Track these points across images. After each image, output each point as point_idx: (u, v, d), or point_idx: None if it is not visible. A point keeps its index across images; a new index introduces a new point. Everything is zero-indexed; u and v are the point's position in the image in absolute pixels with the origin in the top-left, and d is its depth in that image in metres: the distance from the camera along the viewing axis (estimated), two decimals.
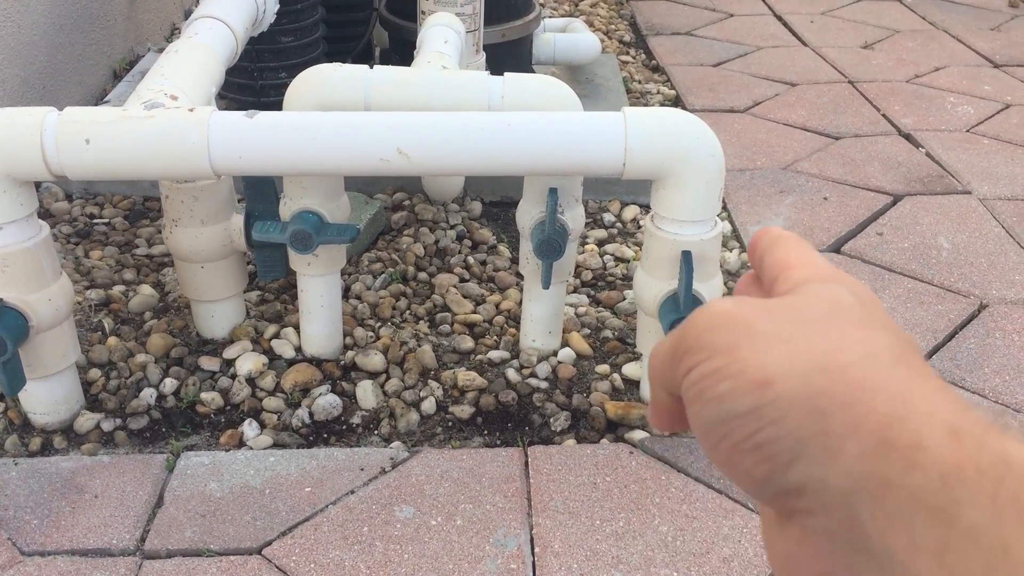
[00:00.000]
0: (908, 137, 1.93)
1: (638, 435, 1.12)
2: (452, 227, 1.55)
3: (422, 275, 1.43)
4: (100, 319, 1.29)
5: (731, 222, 1.60)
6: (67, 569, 0.92)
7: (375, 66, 1.12)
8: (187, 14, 2.48)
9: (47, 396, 1.10)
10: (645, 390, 1.17)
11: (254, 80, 1.59)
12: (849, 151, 1.85)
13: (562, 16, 2.64)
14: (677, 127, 1.00)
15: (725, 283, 1.40)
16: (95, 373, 1.19)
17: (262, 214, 1.17)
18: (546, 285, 1.14)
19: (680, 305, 1.02)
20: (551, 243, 1.10)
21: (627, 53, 2.41)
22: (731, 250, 1.52)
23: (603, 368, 1.24)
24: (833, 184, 1.72)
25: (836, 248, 1.52)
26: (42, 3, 1.68)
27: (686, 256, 1.02)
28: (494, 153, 0.99)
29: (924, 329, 1.32)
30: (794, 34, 2.55)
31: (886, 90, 2.16)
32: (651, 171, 1.01)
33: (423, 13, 1.50)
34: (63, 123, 0.96)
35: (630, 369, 1.23)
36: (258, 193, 1.17)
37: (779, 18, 2.68)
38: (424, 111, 1.02)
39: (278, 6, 1.44)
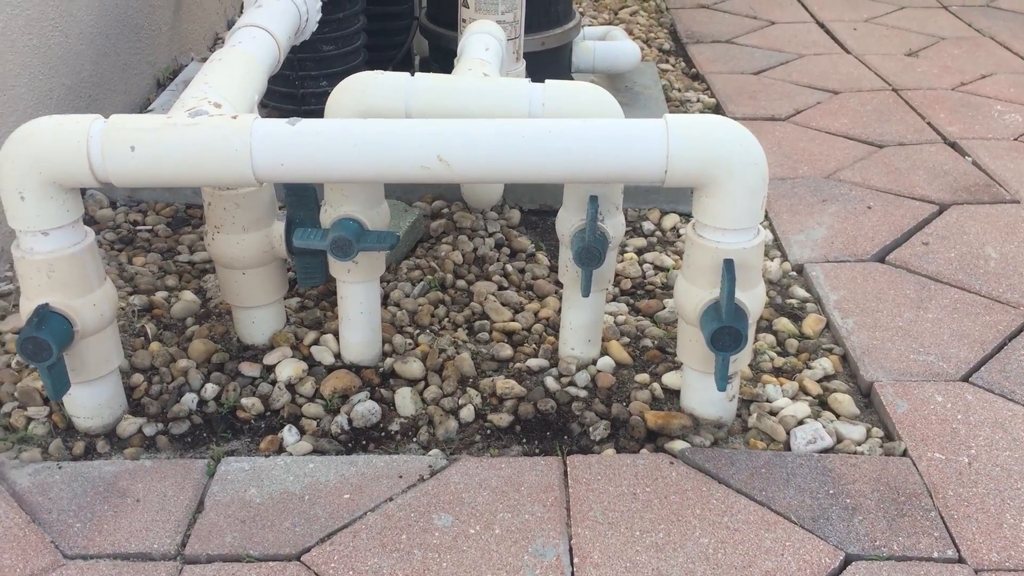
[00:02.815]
0: (954, 145, 1.90)
1: (678, 445, 1.11)
2: (491, 235, 1.55)
3: (460, 283, 1.43)
4: (143, 324, 1.30)
5: (772, 231, 1.58)
6: (109, 573, 0.93)
7: (416, 74, 1.13)
8: (230, 24, 2.51)
9: (91, 400, 1.11)
10: (686, 399, 1.16)
11: (295, 88, 1.60)
12: (893, 160, 1.83)
13: (602, 24, 2.64)
14: (720, 134, 0.99)
15: (767, 292, 1.38)
16: (138, 378, 1.20)
17: (303, 221, 1.18)
18: (586, 293, 1.13)
19: (722, 314, 1.01)
20: (591, 251, 1.10)
21: (667, 61, 2.40)
22: (772, 259, 1.50)
23: (643, 377, 1.23)
24: (877, 193, 1.70)
25: (880, 258, 1.50)
26: (89, 13, 1.70)
27: (728, 264, 1.01)
28: (535, 160, 0.98)
29: (972, 340, 1.29)
30: (837, 41, 2.52)
31: (931, 98, 2.13)
32: (693, 179, 1.00)
33: (463, 21, 1.50)
34: (109, 130, 0.98)
35: (670, 378, 1.22)
36: (299, 200, 1.18)
37: (821, 25, 2.65)
38: (465, 118, 1.02)
39: (320, 15, 1.45)
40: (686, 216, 1.64)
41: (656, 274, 1.47)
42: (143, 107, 1.93)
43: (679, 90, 2.20)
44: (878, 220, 1.60)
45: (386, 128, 0.99)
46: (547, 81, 1.13)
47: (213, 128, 0.98)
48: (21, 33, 1.48)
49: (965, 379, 1.22)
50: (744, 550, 0.96)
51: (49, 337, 0.99)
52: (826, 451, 1.11)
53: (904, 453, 1.10)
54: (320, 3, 1.44)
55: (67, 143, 0.97)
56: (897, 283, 1.42)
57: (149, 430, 1.13)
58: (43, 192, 0.99)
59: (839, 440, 1.13)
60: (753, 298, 1.05)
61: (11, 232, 1.46)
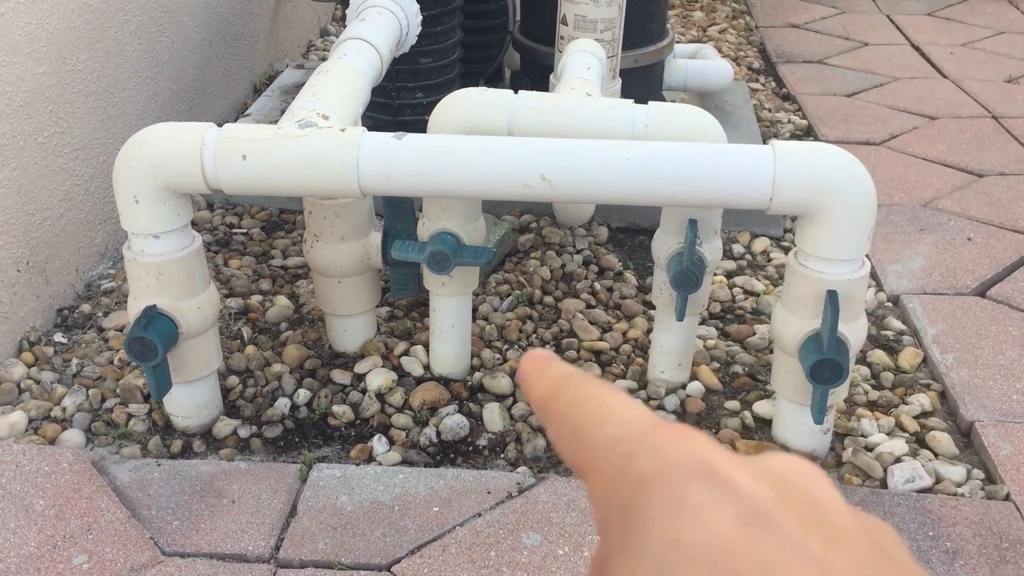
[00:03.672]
0: None
1: None
2: (579, 251, 1.54)
3: (548, 299, 1.43)
4: (239, 327, 1.33)
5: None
6: (205, 571, 0.95)
7: (520, 91, 1.13)
8: (323, 32, 2.55)
9: (189, 400, 1.14)
10: (778, 430, 1.14)
11: (391, 99, 1.63)
12: (994, 190, 1.77)
13: (689, 41, 2.62)
14: (829, 163, 0.98)
15: None
16: (233, 380, 1.23)
17: (399, 233, 1.19)
18: (680, 317, 1.12)
19: (824, 346, 0.99)
20: (689, 275, 1.09)
21: (756, 80, 2.37)
22: (867, 288, 1.47)
23: (733, 404, 1.22)
24: (977, 224, 1.65)
25: (981, 292, 1.46)
26: (195, 19, 1.75)
27: (832, 296, 0.99)
28: (638, 183, 0.98)
29: None
30: (933, 65, 2.46)
31: None
32: (799, 207, 0.99)
33: (562, 39, 1.50)
34: (222, 139, 1.00)
35: (761, 407, 1.20)
36: (397, 212, 1.19)
37: (917, 48, 2.60)
38: (566, 137, 1.02)
39: (420, 28, 1.47)
40: (776, 240, 1.62)
41: (746, 299, 1.45)
42: (240, 112, 1.97)
43: (769, 110, 2.17)
44: (978, 252, 1.55)
45: (490, 145, 0.99)
46: (650, 103, 1.13)
47: (322, 140, 1.00)
48: (131, 38, 1.53)
49: None
50: None
51: (156, 338, 1.02)
52: (924, 491, 1.08)
53: (1007, 497, 1.06)
54: (420, 17, 1.46)
55: (182, 150, 1.00)
56: (999, 319, 1.38)
57: (243, 432, 1.15)
58: (157, 196, 1.01)
59: (938, 480, 1.09)
60: (855, 331, 1.03)
61: (113, 231, 1.50)
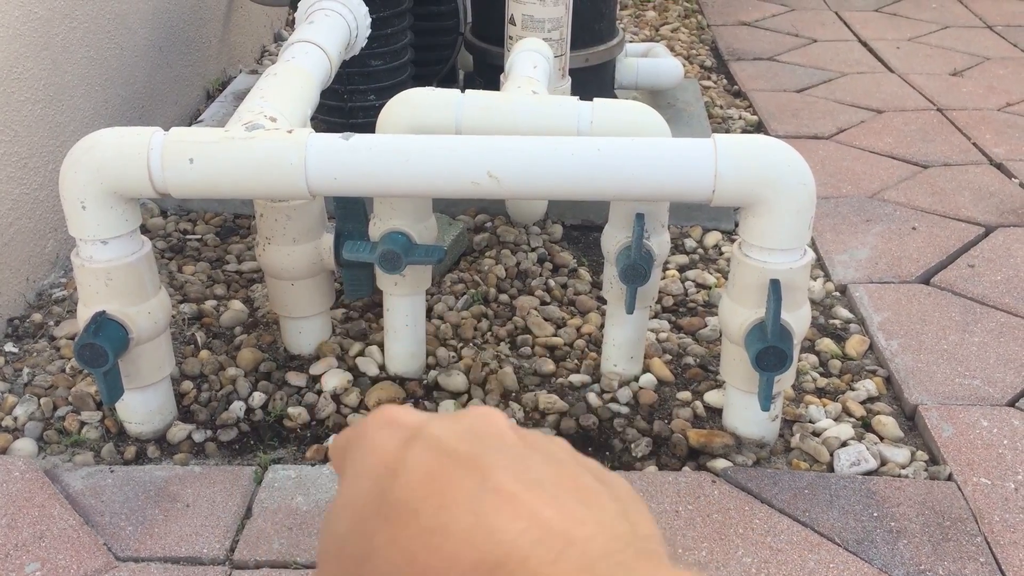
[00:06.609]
0: (1000, 167, 1.88)
1: (720, 464, 1.11)
2: (533, 249, 1.56)
3: (503, 297, 1.44)
4: (193, 332, 1.33)
5: (815, 250, 1.58)
6: None
7: (467, 90, 1.14)
8: (277, 37, 2.55)
9: (143, 406, 1.14)
10: (728, 418, 1.16)
11: (344, 102, 1.63)
12: (938, 180, 1.82)
13: (642, 40, 2.65)
14: (768, 155, 1.00)
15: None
16: (187, 385, 1.22)
17: (351, 233, 1.20)
18: (630, 310, 1.14)
19: (767, 334, 1.01)
20: (637, 268, 1.10)
21: (708, 78, 2.40)
22: (815, 279, 1.50)
23: (684, 395, 1.23)
24: (922, 214, 1.69)
25: (925, 280, 1.49)
26: (144, 26, 1.75)
27: (774, 285, 1.01)
28: (583, 178, 0.99)
29: (1019, 365, 1.28)
30: (880, 60, 2.51)
31: (976, 118, 2.11)
32: (740, 198, 1.01)
33: (510, 39, 1.52)
34: (169, 143, 1.00)
35: (712, 397, 1.22)
36: (348, 213, 1.20)
37: (864, 44, 2.64)
38: (514, 135, 1.03)
39: (369, 31, 1.47)
40: (728, 234, 1.64)
41: (698, 292, 1.47)
42: (193, 118, 1.97)
43: (721, 107, 2.20)
44: (923, 241, 1.59)
45: (437, 144, 1.00)
46: (595, 99, 1.14)
47: (269, 142, 1.00)
48: (79, 46, 1.52)
49: (1011, 404, 1.21)
50: (788, 570, 0.96)
51: (106, 344, 1.01)
52: (870, 473, 1.10)
53: (949, 477, 1.09)
54: (369, 19, 1.46)
55: (128, 154, 1.00)
56: (942, 305, 1.41)
57: (198, 436, 1.15)
58: (104, 202, 1.01)
59: (883, 463, 1.12)
60: (799, 319, 1.05)
61: (64, 240, 1.49)
